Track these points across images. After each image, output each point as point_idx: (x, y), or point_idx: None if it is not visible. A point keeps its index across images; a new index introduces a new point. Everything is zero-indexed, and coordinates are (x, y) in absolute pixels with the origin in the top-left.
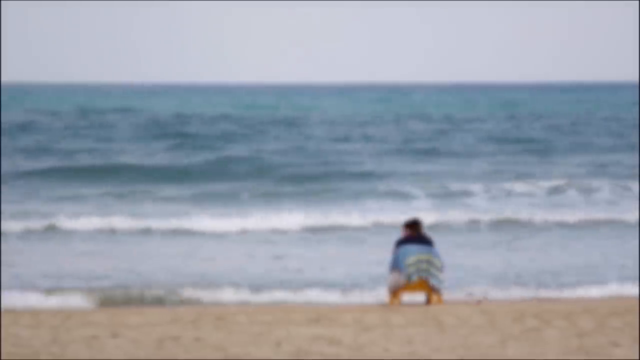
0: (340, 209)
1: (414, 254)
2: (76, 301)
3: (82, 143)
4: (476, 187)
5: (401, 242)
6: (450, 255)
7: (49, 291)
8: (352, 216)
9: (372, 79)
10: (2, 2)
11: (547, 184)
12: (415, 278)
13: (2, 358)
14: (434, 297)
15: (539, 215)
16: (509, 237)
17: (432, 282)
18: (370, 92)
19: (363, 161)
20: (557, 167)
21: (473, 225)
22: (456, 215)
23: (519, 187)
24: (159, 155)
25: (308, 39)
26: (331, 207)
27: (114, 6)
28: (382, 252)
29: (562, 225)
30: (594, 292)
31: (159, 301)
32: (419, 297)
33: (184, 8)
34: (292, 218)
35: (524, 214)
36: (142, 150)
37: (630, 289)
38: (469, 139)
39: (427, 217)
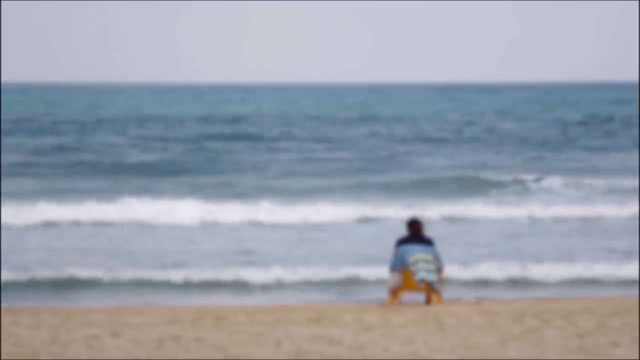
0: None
1: (413, 253)
2: None
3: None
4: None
5: (401, 242)
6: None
7: None
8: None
9: (371, 79)
10: (1, 2)
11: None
12: (418, 278)
13: (2, 358)
14: (434, 297)
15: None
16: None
17: (432, 282)
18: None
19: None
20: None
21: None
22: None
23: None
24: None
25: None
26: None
27: (115, 6)
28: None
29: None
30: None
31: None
32: (419, 297)
33: (181, 9)
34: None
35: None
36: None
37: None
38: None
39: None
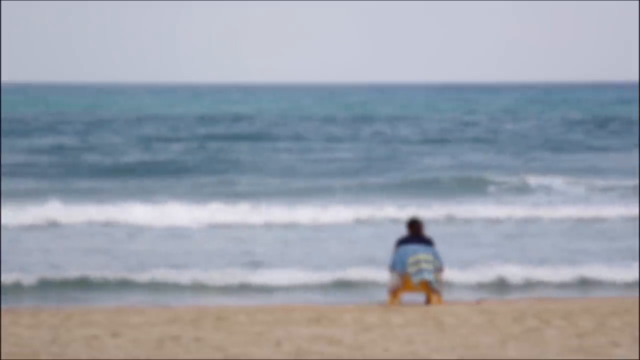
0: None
1: (413, 253)
2: None
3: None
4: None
5: (401, 242)
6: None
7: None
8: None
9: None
10: (1, 2)
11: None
12: (416, 279)
13: (2, 358)
14: (434, 297)
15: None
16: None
17: (431, 282)
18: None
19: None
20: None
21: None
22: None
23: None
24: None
25: (301, 37)
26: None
27: (115, 6)
28: None
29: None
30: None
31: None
32: (419, 297)
33: (181, 9)
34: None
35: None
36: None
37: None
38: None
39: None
